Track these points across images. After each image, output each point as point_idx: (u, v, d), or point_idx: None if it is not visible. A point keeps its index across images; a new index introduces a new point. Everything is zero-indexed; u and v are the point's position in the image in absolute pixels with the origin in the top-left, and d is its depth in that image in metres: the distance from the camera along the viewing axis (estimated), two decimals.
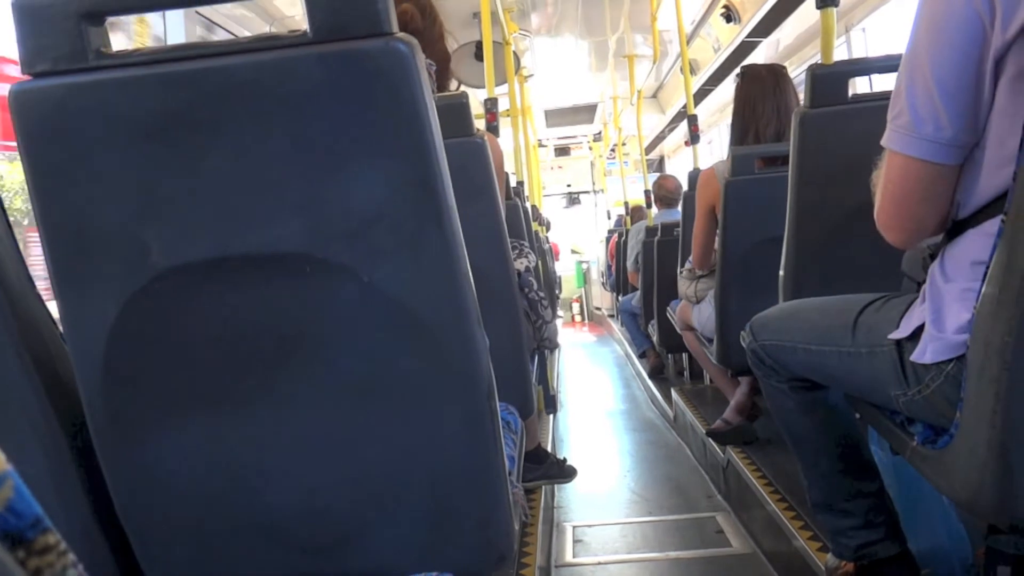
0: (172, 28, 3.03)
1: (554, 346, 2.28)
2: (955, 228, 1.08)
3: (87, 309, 0.93)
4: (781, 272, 1.99)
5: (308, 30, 0.85)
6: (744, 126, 2.61)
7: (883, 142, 1.06)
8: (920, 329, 1.10)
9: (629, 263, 5.99)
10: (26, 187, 0.89)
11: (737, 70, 2.76)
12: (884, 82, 2.18)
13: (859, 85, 1.86)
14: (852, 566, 1.51)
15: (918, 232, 1.10)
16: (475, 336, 0.94)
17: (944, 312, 1.06)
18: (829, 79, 1.82)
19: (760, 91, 2.60)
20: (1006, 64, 0.94)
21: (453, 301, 0.92)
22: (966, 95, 0.97)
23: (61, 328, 0.96)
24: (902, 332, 1.14)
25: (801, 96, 1.91)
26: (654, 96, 8.38)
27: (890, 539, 1.48)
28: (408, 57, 0.85)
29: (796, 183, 1.89)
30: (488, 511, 1.00)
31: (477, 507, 1.00)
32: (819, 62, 1.87)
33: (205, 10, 3.31)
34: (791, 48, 4.89)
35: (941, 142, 1.00)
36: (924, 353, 1.07)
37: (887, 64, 1.85)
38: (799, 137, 1.84)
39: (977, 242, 1.03)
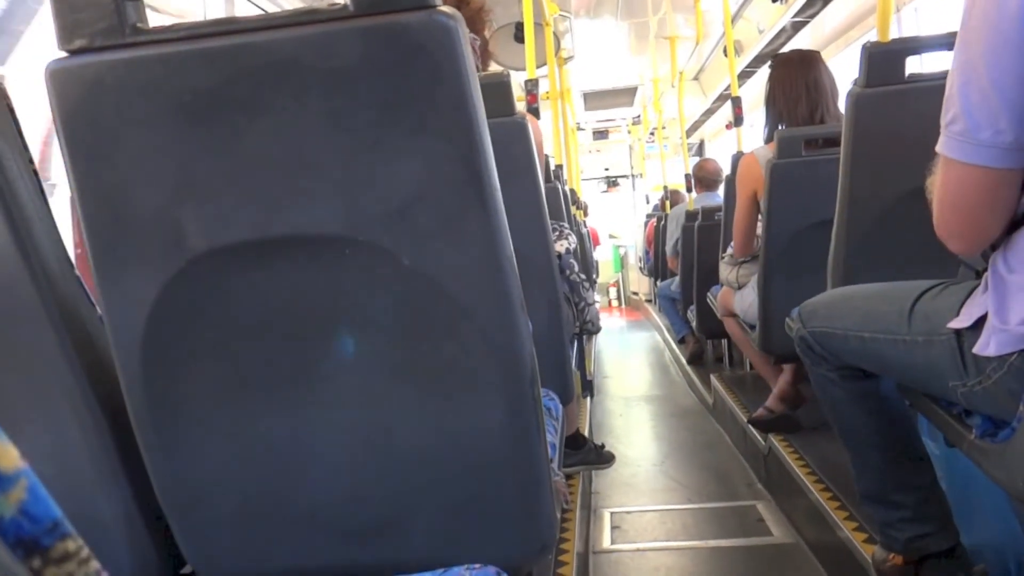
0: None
1: (596, 329, 2.25)
2: (1020, 219, 1.03)
3: (126, 292, 0.91)
4: (830, 257, 1.93)
5: (348, 3, 0.82)
6: (776, 111, 2.59)
7: (938, 149, 1.00)
8: (982, 319, 1.06)
9: (668, 248, 5.91)
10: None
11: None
12: (937, 62, 2.11)
13: (909, 66, 1.79)
14: (901, 559, 1.48)
15: (983, 240, 1.05)
16: (518, 321, 0.91)
17: (1008, 303, 1.01)
18: (885, 57, 1.75)
19: (785, 74, 2.56)
20: None
21: (496, 285, 0.89)
22: None
23: (100, 310, 0.94)
24: (963, 321, 1.10)
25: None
26: (695, 79, 8.25)
27: (942, 532, 1.44)
28: (453, 31, 0.81)
29: (848, 165, 1.82)
30: (530, 500, 0.98)
31: (519, 496, 0.98)
32: (874, 40, 1.81)
33: None
34: (839, 29, 4.78)
35: (1001, 147, 0.93)
36: (988, 345, 1.03)
37: (947, 42, 1.78)
38: (853, 117, 1.78)
39: None
